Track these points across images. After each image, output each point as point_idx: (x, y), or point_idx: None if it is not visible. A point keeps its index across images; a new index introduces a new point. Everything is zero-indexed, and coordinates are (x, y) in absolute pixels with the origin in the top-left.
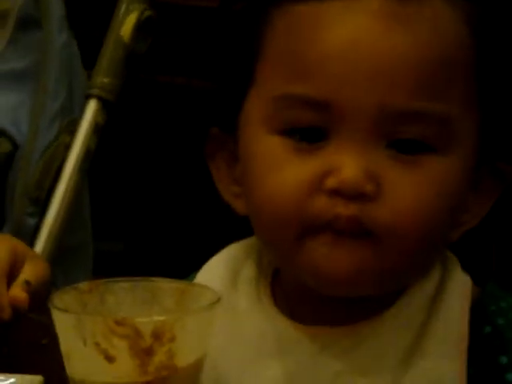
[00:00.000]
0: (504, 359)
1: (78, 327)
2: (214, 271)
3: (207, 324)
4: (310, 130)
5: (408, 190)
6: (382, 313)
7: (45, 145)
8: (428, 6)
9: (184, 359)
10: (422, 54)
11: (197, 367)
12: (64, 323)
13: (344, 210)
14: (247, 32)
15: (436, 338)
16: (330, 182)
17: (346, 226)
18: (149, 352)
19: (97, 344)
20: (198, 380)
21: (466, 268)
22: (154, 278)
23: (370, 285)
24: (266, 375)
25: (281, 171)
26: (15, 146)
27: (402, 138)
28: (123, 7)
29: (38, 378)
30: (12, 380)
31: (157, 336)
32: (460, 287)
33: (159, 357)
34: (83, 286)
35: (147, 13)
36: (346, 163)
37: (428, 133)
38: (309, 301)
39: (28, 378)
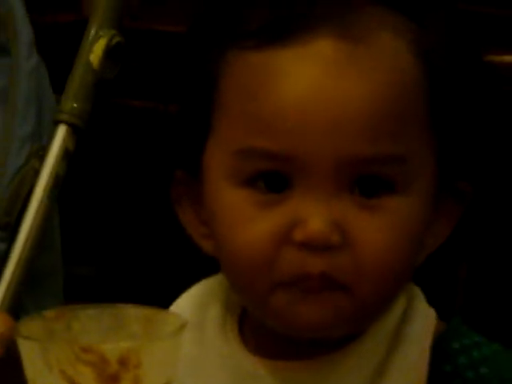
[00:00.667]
0: None
1: (44, 355)
2: (183, 309)
3: (173, 350)
4: (273, 176)
5: (374, 235)
6: (343, 347)
7: (14, 170)
8: (380, 46)
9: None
10: (376, 98)
11: None
12: (29, 351)
13: (313, 267)
14: (201, 77)
15: (395, 375)
16: (297, 235)
17: (316, 284)
18: (115, 378)
19: (62, 371)
20: None
21: (430, 301)
22: (120, 305)
23: (344, 328)
24: None
25: (248, 225)
26: None
27: (366, 177)
28: (92, 33)
29: None
30: None
31: (123, 362)
32: (422, 323)
33: (125, 383)
34: (49, 313)
35: (116, 39)
36: (311, 214)
37: (387, 172)
38: (273, 339)
39: None
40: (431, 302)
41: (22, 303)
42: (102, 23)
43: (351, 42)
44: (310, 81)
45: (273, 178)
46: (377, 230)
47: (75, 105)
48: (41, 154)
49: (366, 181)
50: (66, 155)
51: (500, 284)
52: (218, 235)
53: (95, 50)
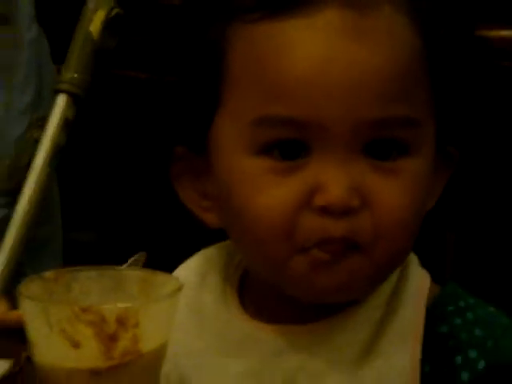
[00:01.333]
0: (459, 359)
1: (45, 315)
2: (183, 278)
3: (170, 311)
4: (289, 144)
5: (390, 196)
6: (343, 311)
7: (14, 139)
8: (384, 19)
9: (148, 344)
10: (387, 64)
11: (160, 352)
12: (31, 311)
13: (335, 231)
14: (207, 52)
15: (392, 336)
16: (318, 201)
17: (339, 247)
18: (113, 338)
19: (63, 331)
20: (161, 365)
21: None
22: (118, 267)
23: (362, 290)
24: (228, 372)
25: (268, 192)
26: None
27: (377, 138)
28: (92, 4)
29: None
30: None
31: (121, 322)
32: (417, 285)
33: (123, 342)
34: (49, 274)
35: (115, 10)
36: (331, 180)
37: (402, 135)
38: (275, 302)
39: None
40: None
41: (22, 269)
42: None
43: (357, 12)
44: (322, 48)
45: (288, 146)
46: (393, 191)
47: (75, 75)
48: (40, 124)
49: (380, 144)
50: (66, 125)
51: (488, 250)
52: (234, 205)
53: (95, 21)
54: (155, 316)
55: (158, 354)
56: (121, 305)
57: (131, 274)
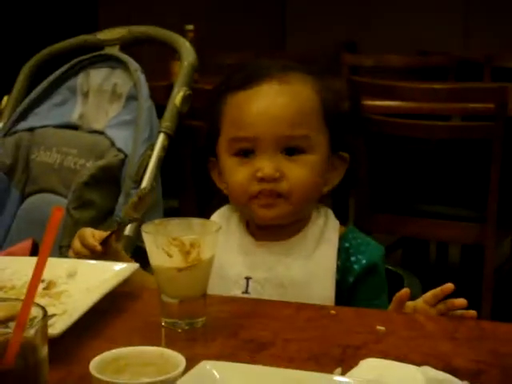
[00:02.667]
0: (353, 259)
1: (154, 241)
2: (217, 218)
3: (215, 239)
4: (245, 150)
5: (295, 172)
6: (297, 234)
7: (140, 155)
8: (295, 87)
9: (204, 256)
10: (293, 109)
11: (211, 260)
12: (147, 239)
13: (267, 186)
14: (216, 111)
15: (323, 246)
16: (259, 175)
17: (268, 193)
18: (188, 252)
19: (163, 249)
20: (211, 266)
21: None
22: (190, 218)
23: (285, 218)
24: (239, 262)
25: (235, 174)
26: (126, 155)
27: (289, 146)
28: (176, 89)
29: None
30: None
31: (192, 245)
32: (334, 225)
33: (193, 255)
34: (157, 221)
35: (188, 92)
36: (264, 165)
37: (300, 144)
38: (259, 229)
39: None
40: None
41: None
42: (181, 84)
43: (279, 85)
44: (261, 103)
45: (245, 151)
46: (297, 171)
47: (168, 124)
48: (152, 147)
49: (290, 148)
50: (164, 149)
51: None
52: (227, 181)
53: (177, 97)
54: (208, 242)
55: (210, 261)
56: (192, 236)
57: (196, 221)
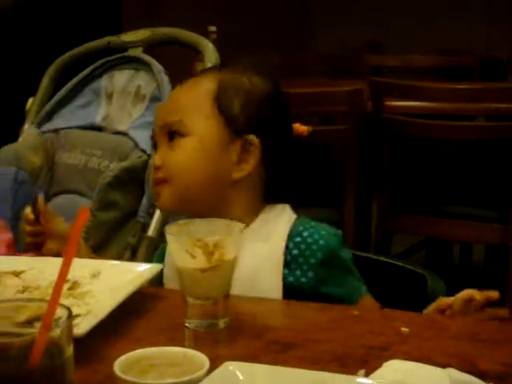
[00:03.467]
0: (308, 252)
1: (178, 242)
2: None
3: (238, 240)
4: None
5: (173, 157)
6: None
7: None
8: (187, 83)
9: (227, 256)
10: (170, 101)
11: (234, 261)
12: (171, 240)
13: (156, 176)
14: None
15: (274, 238)
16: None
17: (155, 182)
18: (211, 253)
19: (187, 250)
20: (234, 267)
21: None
22: (213, 218)
23: (173, 204)
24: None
25: None
26: (149, 156)
27: (169, 131)
28: None
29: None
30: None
31: (216, 246)
32: (287, 217)
33: (216, 256)
34: (181, 222)
35: None
36: (155, 157)
37: (176, 128)
38: None
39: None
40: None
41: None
42: None
43: (185, 85)
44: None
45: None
46: (174, 154)
47: None
48: None
49: (170, 133)
50: None
51: None
52: None
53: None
54: (231, 242)
55: (233, 262)
56: (215, 237)
57: (219, 221)
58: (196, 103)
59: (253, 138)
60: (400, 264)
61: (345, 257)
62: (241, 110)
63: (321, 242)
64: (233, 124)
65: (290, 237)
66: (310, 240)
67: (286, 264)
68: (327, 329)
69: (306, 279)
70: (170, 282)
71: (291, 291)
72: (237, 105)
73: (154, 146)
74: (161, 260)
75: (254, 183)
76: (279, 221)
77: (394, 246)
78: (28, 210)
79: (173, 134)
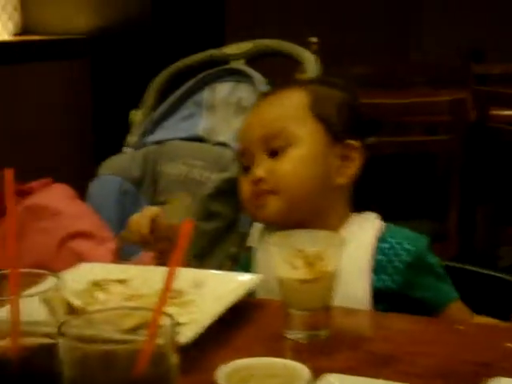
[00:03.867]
0: (395, 258)
1: (280, 253)
2: (255, 232)
3: (340, 252)
4: (246, 167)
5: (281, 168)
6: None
7: None
8: (275, 95)
9: (329, 268)
10: (265, 113)
11: (335, 272)
12: (274, 251)
13: (256, 188)
14: None
15: (362, 244)
16: (250, 179)
17: (259, 193)
18: (312, 264)
19: (288, 261)
20: (336, 279)
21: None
22: (314, 230)
23: (281, 215)
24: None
25: (242, 190)
26: None
27: (271, 148)
28: None
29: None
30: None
31: (317, 257)
32: (374, 224)
33: (317, 267)
34: (282, 233)
35: None
36: (254, 170)
37: (279, 139)
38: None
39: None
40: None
41: None
42: None
43: (273, 98)
44: (246, 119)
45: (245, 167)
46: (282, 165)
47: None
48: None
49: (272, 151)
50: None
51: None
52: None
53: None
54: (333, 254)
55: (335, 273)
56: (316, 249)
57: (321, 233)
58: (293, 113)
59: (353, 142)
60: (508, 278)
61: (432, 261)
62: (337, 117)
63: (408, 246)
64: (332, 130)
65: (378, 243)
66: (397, 245)
67: (374, 269)
68: (430, 342)
69: (394, 284)
70: (259, 292)
71: (379, 296)
72: (332, 112)
73: (243, 163)
74: (245, 271)
75: (348, 189)
76: (367, 227)
77: (502, 260)
78: (142, 224)
79: (275, 149)
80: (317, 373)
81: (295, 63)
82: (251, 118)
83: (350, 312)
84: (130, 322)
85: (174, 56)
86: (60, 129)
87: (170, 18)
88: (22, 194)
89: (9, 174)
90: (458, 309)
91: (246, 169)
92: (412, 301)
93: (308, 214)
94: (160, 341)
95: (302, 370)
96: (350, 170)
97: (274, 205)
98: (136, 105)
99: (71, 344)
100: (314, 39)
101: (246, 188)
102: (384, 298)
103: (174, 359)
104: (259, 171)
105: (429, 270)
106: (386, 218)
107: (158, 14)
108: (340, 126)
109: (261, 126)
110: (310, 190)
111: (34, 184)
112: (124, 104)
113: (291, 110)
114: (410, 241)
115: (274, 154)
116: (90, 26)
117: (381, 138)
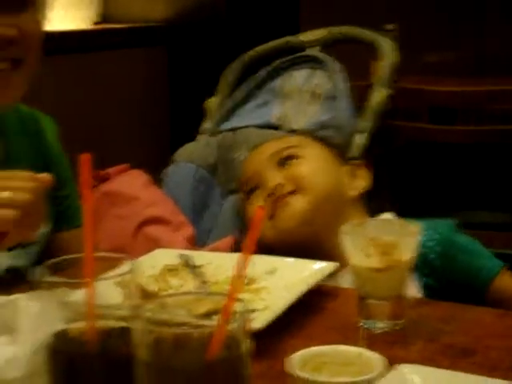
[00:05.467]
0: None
1: (352, 242)
2: None
3: (415, 241)
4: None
5: (299, 165)
6: None
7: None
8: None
9: (403, 257)
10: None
11: (409, 262)
12: (347, 240)
13: (279, 191)
14: None
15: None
16: (265, 194)
17: (279, 196)
18: (386, 253)
19: (362, 249)
20: (408, 269)
21: None
22: (389, 218)
23: (306, 215)
24: None
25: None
26: None
27: (281, 157)
28: (376, 88)
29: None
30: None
31: (391, 246)
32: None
33: (392, 256)
34: (356, 222)
35: (389, 91)
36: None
37: (293, 150)
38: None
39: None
40: None
41: None
42: (381, 84)
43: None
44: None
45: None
46: (298, 163)
47: (367, 123)
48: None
49: (281, 160)
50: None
51: None
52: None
53: (377, 97)
54: (407, 243)
55: (409, 262)
56: (390, 237)
57: (395, 221)
58: (303, 141)
59: (359, 162)
60: None
61: (462, 241)
62: (342, 144)
63: (435, 236)
64: (339, 154)
65: None
66: (425, 238)
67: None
68: (506, 335)
69: (434, 276)
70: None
71: (426, 291)
72: (336, 140)
73: (246, 188)
74: None
75: (362, 199)
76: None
77: None
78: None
79: (286, 159)
80: (391, 363)
81: (370, 49)
82: (255, 152)
83: (424, 302)
84: (203, 308)
85: (249, 43)
86: (137, 116)
87: (244, 5)
88: (100, 179)
89: (85, 159)
90: (507, 279)
91: (252, 191)
92: (457, 286)
93: (325, 222)
94: (232, 326)
95: (378, 359)
96: (360, 184)
97: (299, 201)
98: (212, 92)
99: (145, 327)
100: (391, 26)
101: (253, 208)
102: (430, 294)
103: (246, 345)
104: (275, 179)
105: (463, 251)
106: (457, 206)
107: (233, 1)
108: (345, 152)
109: (269, 149)
110: (330, 190)
111: (111, 170)
112: (200, 91)
113: (301, 138)
114: (435, 229)
115: (283, 164)
116: (167, 14)
117: (457, 126)
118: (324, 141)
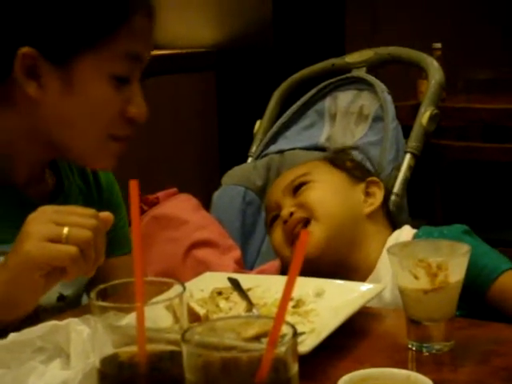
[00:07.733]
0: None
1: (400, 263)
2: None
3: (463, 262)
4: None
5: (309, 194)
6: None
7: (386, 176)
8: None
9: (452, 279)
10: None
11: (458, 284)
12: (394, 261)
13: (292, 219)
14: None
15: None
16: (281, 222)
17: (294, 226)
18: (434, 275)
19: (410, 270)
20: (458, 291)
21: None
22: (437, 239)
23: (323, 243)
24: None
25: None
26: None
27: (293, 186)
28: (423, 108)
29: None
30: None
31: (439, 267)
32: (408, 232)
33: (440, 278)
34: (404, 243)
35: (435, 111)
36: (281, 214)
37: (305, 177)
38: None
39: None
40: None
41: None
42: (428, 103)
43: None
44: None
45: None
46: (307, 192)
47: (415, 144)
48: (397, 169)
49: (294, 188)
50: (410, 169)
51: None
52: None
53: (424, 117)
54: (456, 264)
55: (458, 284)
56: (438, 258)
57: (444, 242)
58: (315, 167)
59: (373, 179)
60: None
61: (468, 241)
62: (354, 165)
63: (441, 237)
64: (351, 174)
65: None
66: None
67: None
68: None
69: None
70: None
71: None
72: (348, 163)
73: (270, 217)
74: None
75: (380, 214)
76: (402, 237)
77: None
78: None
79: (298, 187)
80: None
81: (416, 70)
82: (277, 181)
83: (475, 323)
84: (251, 331)
85: (296, 66)
86: (186, 140)
87: (290, 29)
88: (150, 204)
89: (134, 184)
90: (510, 278)
91: (274, 219)
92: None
93: (346, 243)
94: (281, 349)
95: (426, 382)
96: (375, 199)
97: (314, 232)
98: (259, 116)
99: (194, 351)
100: (437, 45)
101: (277, 234)
102: None
103: (295, 368)
104: (288, 208)
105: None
106: (484, 223)
107: (279, 26)
108: (358, 172)
109: (287, 178)
110: (343, 214)
111: (160, 194)
112: (248, 115)
113: (313, 164)
114: (445, 232)
115: (296, 191)
116: (215, 39)
117: (506, 144)
118: (338, 167)
